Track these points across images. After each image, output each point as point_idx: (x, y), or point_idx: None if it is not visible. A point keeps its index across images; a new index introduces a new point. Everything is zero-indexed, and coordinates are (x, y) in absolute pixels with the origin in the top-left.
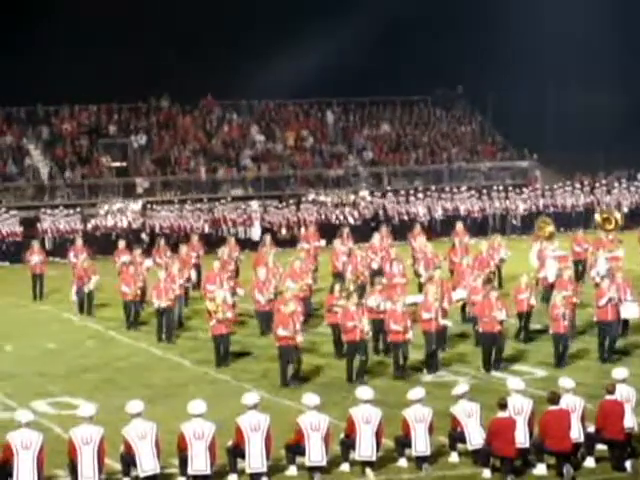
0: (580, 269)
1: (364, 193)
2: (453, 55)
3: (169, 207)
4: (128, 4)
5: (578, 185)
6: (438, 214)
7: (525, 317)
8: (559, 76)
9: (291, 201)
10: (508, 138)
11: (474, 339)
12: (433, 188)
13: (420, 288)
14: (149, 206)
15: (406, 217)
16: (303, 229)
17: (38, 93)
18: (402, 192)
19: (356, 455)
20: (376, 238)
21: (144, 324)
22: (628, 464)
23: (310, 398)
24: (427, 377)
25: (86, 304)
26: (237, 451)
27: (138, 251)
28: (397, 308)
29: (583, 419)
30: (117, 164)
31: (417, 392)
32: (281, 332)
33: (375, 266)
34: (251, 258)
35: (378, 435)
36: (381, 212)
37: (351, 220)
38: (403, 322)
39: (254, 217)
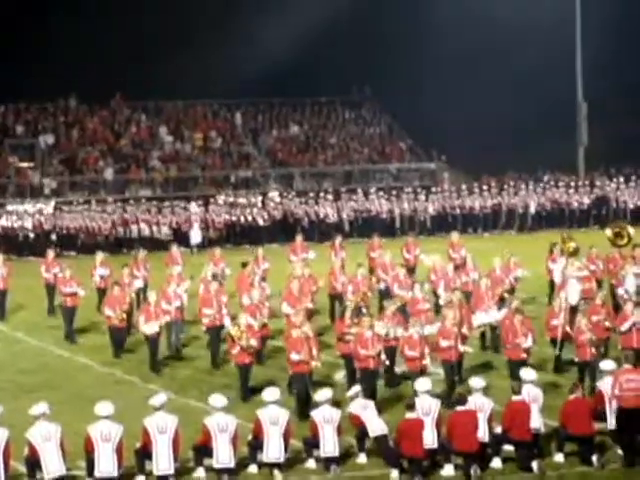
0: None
1: (273, 194)
2: (361, 57)
3: (77, 208)
4: (34, 5)
5: (485, 187)
6: (347, 215)
7: (559, 346)
8: (464, 79)
9: (199, 202)
10: (416, 140)
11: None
12: (342, 189)
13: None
14: (58, 207)
15: (315, 218)
16: (296, 240)
17: None
18: (311, 193)
19: (264, 456)
20: (387, 255)
21: (131, 351)
22: (534, 464)
23: (217, 399)
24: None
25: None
26: (145, 453)
27: (126, 270)
28: (413, 333)
29: (491, 420)
30: (24, 164)
31: (324, 393)
32: (294, 357)
33: (382, 287)
34: (191, 261)
35: (286, 436)
36: (289, 214)
37: (260, 221)
38: (420, 348)
39: (193, 219)
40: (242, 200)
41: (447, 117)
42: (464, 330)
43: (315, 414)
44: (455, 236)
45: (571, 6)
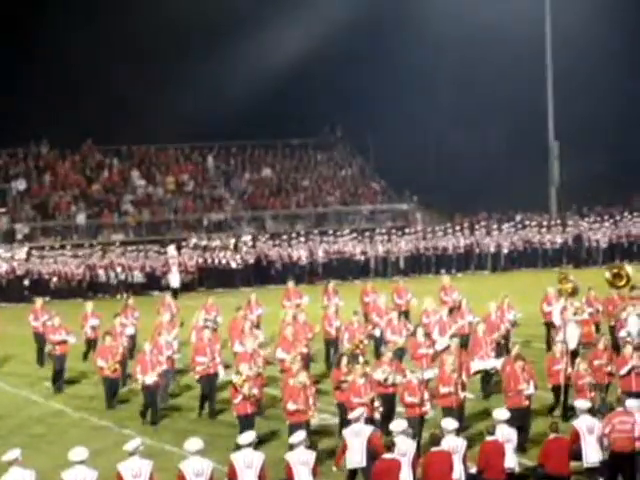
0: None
1: (246, 237)
2: (332, 100)
3: (50, 253)
4: (6, 51)
5: (458, 227)
6: (320, 257)
7: (563, 391)
8: (435, 120)
9: (176, 245)
10: (388, 181)
11: None
12: (315, 231)
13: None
14: (31, 252)
15: (288, 261)
16: (288, 285)
17: None
18: (284, 236)
19: None
20: (382, 300)
21: (125, 402)
22: None
23: (193, 443)
24: None
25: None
26: None
27: (118, 320)
28: (412, 379)
29: (465, 460)
30: None
31: (299, 435)
32: (291, 407)
33: (378, 333)
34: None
35: (261, 479)
36: (263, 256)
37: (233, 264)
38: (419, 394)
39: (171, 263)
40: (217, 243)
41: (419, 158)
42: (463, 376)
43: (290, 456)
44: (446, 279)
45: (541, 48)
